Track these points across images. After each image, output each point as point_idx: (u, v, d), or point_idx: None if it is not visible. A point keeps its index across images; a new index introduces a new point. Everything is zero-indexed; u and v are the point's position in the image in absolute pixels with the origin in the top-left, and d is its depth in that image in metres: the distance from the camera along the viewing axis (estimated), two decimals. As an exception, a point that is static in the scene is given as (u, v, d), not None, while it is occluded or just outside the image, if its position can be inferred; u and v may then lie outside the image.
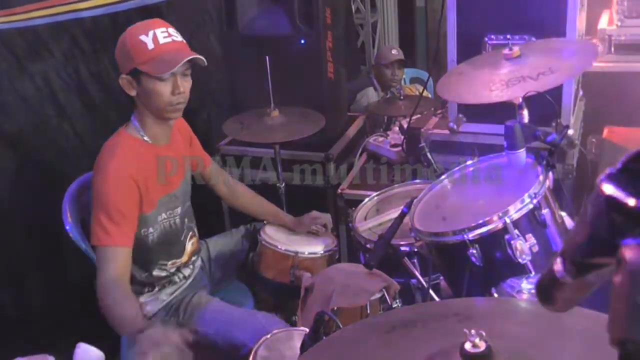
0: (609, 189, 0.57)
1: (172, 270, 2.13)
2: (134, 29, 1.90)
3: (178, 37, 1.92)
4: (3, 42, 2.36)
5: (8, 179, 2.42)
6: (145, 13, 2.85)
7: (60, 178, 2.20)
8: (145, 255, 2.01)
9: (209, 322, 2.03)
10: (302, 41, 2.88)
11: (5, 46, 2.37)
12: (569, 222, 1.82)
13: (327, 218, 2.43)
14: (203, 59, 1.90)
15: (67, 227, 2.06)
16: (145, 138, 1.99)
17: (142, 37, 1.86)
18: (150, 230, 2.00)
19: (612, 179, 0.57)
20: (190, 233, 2.21)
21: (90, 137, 2.61)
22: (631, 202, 0.55)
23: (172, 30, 1.92)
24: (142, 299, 2.08)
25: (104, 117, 2.71)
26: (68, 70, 2.63)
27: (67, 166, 2.51)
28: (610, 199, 0.57)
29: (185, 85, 1.94)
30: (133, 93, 1.93)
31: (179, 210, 2.10)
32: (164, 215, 2.04)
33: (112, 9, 2.71)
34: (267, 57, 2.53)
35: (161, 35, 1.87)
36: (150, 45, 1.85)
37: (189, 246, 2.19)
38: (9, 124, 2.42)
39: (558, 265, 0.70)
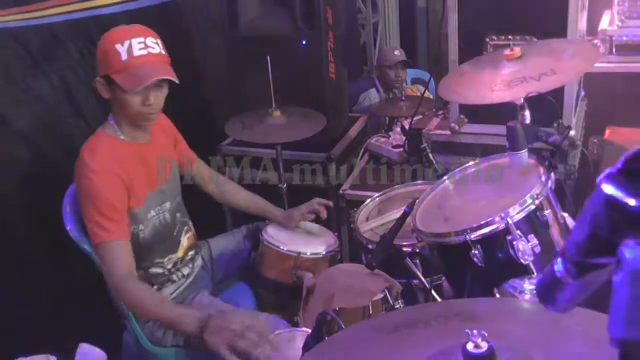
0: (609, 189, 0.57)
1: (169, 266, 2.13)
2: (113, 34, 1.89)
3: (155, 50, 1.89)
4: (18, 40, 2.36)
5: (21, 177, 2.42)
6: (163, 10, 2.87)
7: (72, 175, 2.21)
8: (139, 253, 2.01)
9: None
10: (304, 42, 2.89)
11: (21, 44, 2.37)
12: (571, 223, 1.81)
13: (318, 203, 2.42)
14: (174, 79, 1.89)
15: (68, 227, 2.06)
16: (123, 137, 2.00)
17: (118, 46, 1.84)
18: (141, 227, 2.01)
19: (612, 179, 0.57)
20: (186, 228, 2.21)
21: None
22: (631, 202, 0.55)
23: (151, 40, 1.88)
24: None
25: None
26: (85, 69, 2.63)
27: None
28: (611, 199, 0.57)
29: (159, 96, 1.93)
30: (107, 96, 1.93)
31: (167, 205, 2.10)
32: (153, 213, 2.05)
33: (129, 6, 2.73)
34: (268, 58, 2.53)
35: (137, 47, 1.84)
36: (124, 57, 1.83)
37: (185, 241, 2.19)
38: (23, 121, 2.42)
39: (559, 266, 0.70)
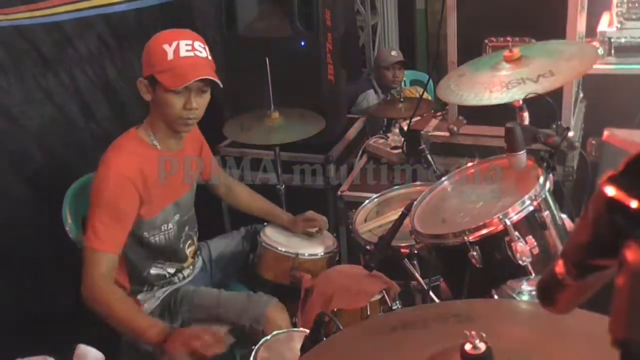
0: (610, 190, 0.57)
1: (171, 271, 2.13)
2: (161, 35, 1.91)
3: (202, 53, 1.91)
4: (27, 38, 2.36)
5: (30, 175, 2.42)
6: (163, 11, 2.87)
7: (81, 175, 2.21)
8: (141, 254, 2.03)
9: (197, 306, 2.07)
10: (302, 43, 2.89)
11: (30, 42, 2.37)
12: (569, 225, 1.81)
13: (322, 220, 2.43)
14: (218, 81, 1.90)
15: (67, 228, 2.06)
16: (155, 142, 1.99)
17: (165, 46, 1.86)
18: (146, 235, 2.00)
19: (614, 180, 0.57)
20: (189, 241, 2.21)
21: (115, 133, 2.61)
22: (633, 204, 0.55)
23: (198, 44, 1.91)
24: (140, 297, 2.09)
25: (129, 114, 2.70)
26: (94, 67, 2.63)
27: (90, 164, 2.49)
28: (612, 201, 0.57)
29: (200, 102, 1.93)
30: (148, 98, 1.94)
31: (177, 217, 2.10)
32: (163, 225, 2.04)
33: (135, 4, 2.73)
34: (267, 59, 2.53)
35: (184, 48, 1.86)
36: (170, 56, 1.85)
37: (188, 252, 2.20)
38: (33, 120, 2.41)
39: (559, 267, 0.70)
